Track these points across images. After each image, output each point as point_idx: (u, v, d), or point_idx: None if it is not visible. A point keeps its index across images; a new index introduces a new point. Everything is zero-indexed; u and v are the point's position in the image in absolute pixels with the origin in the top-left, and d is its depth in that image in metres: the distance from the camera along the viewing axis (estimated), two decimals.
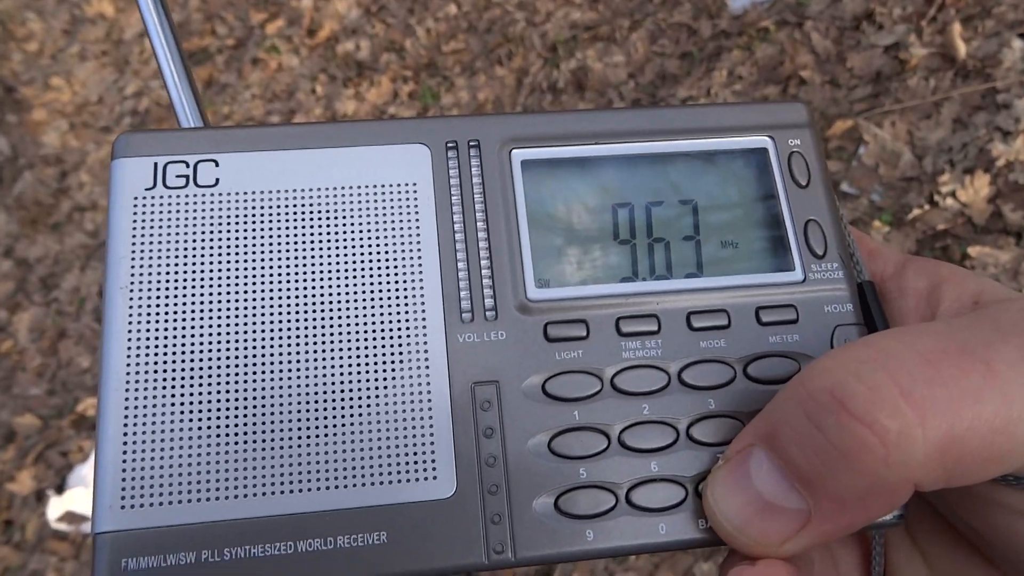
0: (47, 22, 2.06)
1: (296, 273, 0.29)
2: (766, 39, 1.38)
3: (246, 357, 0.28)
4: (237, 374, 0.28)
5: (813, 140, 0.33)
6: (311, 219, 0.30)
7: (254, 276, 0.29)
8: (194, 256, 0.29)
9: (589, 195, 0.32)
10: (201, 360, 0.28)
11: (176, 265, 0.29)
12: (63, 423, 1.48)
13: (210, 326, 0.28)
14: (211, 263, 0.29)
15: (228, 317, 0.28)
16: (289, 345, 0.28)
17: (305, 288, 0.29)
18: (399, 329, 0.29)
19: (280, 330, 0.28)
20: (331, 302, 0.29)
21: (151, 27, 0.39)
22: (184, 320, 0.28)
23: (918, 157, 1.18)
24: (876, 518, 0.24)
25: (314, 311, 0.28)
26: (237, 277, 0.29)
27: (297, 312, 0.28)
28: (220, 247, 0.29)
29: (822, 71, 1.31)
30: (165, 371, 0.27)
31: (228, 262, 0.29)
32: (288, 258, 0.29)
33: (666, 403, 0.29)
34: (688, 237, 0.32)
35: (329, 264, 0.29)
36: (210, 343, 0.28)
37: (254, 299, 0.28)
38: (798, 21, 1.38)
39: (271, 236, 0.29)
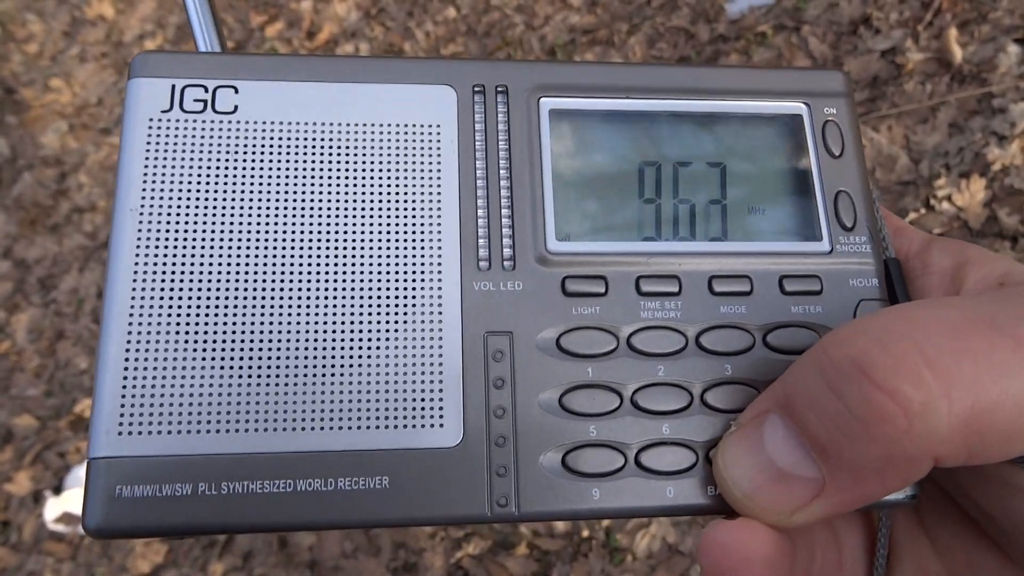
0: (47, 23, 2.06)
1: (311, 208, 0.28)
2: (764, 43, 1.39)
3: (255, 290, 0.27)
4: (246, 306, 0.27)
5: (849, 110, 0.32)
6: (330, 154, 0.29)
7: (268, 208, 0.28)
8: (208, 183, 0.28)
9: (616, 150, 0.32)
10: (209, 289, 0.27)
11: (189, 191, 0.28)
12: (61, 424, 1.48)
13: (220, 255, 0.27)
14: (225, 191, 0.28)
15: (239, 248, 0.28)
16: (300, 280, 0.27)
17: (320, 224, 0.28)
18: (414, 272, 0.28)
19: (291, 264, 0.28)
20: (345, 240, 0.28)
21: None
22: (194, 248, 0.27)
23: (914, 161, 1.18)
24: (892, 491, 0.23)
25: (327, 248, 0.28)
26: (251, 208, 0.28)
27: (310, 248, 0.28)
28: (235, 176, 0.28)
29: None
30: (171, 298, 0.27)
31: (242, 192, 0.28)
32: (304, 192, 0.28)
33: (682, 366, 0.29)
34: (715, 200, 0.31)
35: (346, 201, 0.28)
36: (219, 273, 0.27)
37: (266, 231, 0.28)
38: (795, 25, 1.38)
39: (288, 168, 0.29)
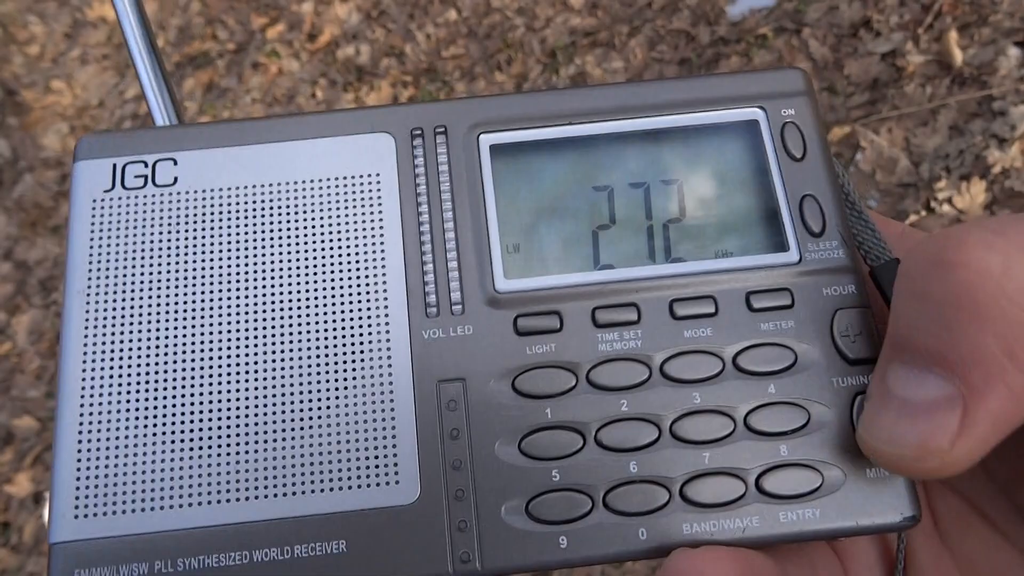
0: (49, 25, 2.07)
1: (255, 273, 0.28)
2: (764, 46, 1.39)
3: (202, 361, 0.27)
4: (193, 379, 0.27)
5: (811, 108, 0.30)
6: (270, 216, 0.29)
7: (211, 277, 0.28)
8: (152, 258, 0.28)
9: (564, 179, 0.30)
10: (156, 366, 0.27)
11: (134, 268, 0.28)
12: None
13: (166, 331, 0.27)
14: (169, 265, 0.28)
15: (183, 321, 0.27)
16: (247, 347, 0.27)
17: (264, 289, 0.28)
18: (361, 327, 0.28)
19: (238, 332, 0.27)
20: (291, 302, 0.28)
21: (126, 25, 0.38)
22: (139, 325, 0.27)
23: (915, 164, 1.19)
24: None
25: (273, 312, 0.28)
26: (194, 279, 0.28)
27: (256, 314, 0.28)
28: (179, 248, 0.28)
29: (820, 78, 1.32)
30: (120, 378, 0.27)
31: (186, 263, 0.28)
32: (247, 257, 0.28)
33: (646, 398, 0.27)
34: (673, 220, 0.30)
35: (289, 263, 0.28)
36: (165, 349, 0.27)
37: (209, 301, 0.28)
38: (796, 28, 1.38)
39: (230, 235, 0.29)
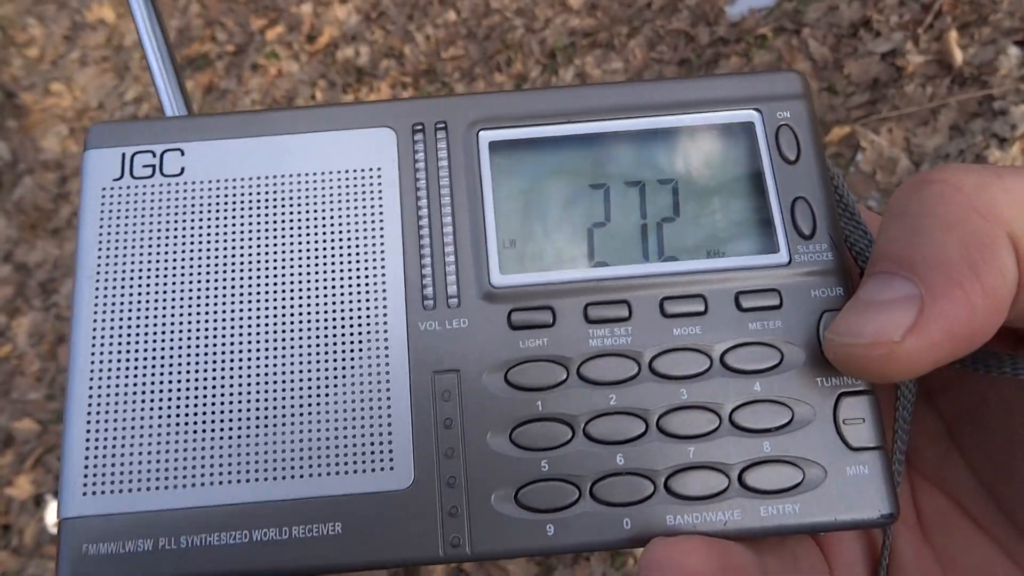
0: (48, 28, 2.07)
1: (258, 261, 0.29)
2: (764, 46, 1.39)
3: (206, 346, 0.28)
4: (197, 363, 0.28)
5: (807, 112, 0.31)
6: (274, 207, 0.30)
7: (216, 264, 0.29)
8: (160, 245, 0.29)
9: (561, 176, 0.31)
10: (162, 349, 0.28)
11: (142, 254, 0.29)
12: (61, 428, 1.48)
13: (171, 315, 0.28)
14: (175, 251, 0.29)
15: (188, 306, 0.28)
16: (250, 333, 0.28)
17: (267, 277, 0.29)
18: (360, 317, 0.28)
19: (241, 318, 0.28)
20: (292, 290, 0.29)
21: (138, 16, 0.40)
22: (147, 309, 0.28)
23: (915, 164, 1.18)
24: (992, 289, 0.22)
25: (275, 299, 0.29)
26: (200, 265, 0.29)
27: (258, 300, 0.29)
28: (185, 236, 0.29)
29: (820, 78, 1.32)
30: (127, 360, 0.28)
31: (192, 251, 0.29)
32: (251, 246, 0.29)
33: (635, 393, 0.28)
34: (667, 219, 0.30)
35: (291, 253, 0.29)
36: (170, 333, 0.28)
37: (215, 287, 0.29)
38: (795, 28, 1.38)
39: (234, 224, 0.29)
